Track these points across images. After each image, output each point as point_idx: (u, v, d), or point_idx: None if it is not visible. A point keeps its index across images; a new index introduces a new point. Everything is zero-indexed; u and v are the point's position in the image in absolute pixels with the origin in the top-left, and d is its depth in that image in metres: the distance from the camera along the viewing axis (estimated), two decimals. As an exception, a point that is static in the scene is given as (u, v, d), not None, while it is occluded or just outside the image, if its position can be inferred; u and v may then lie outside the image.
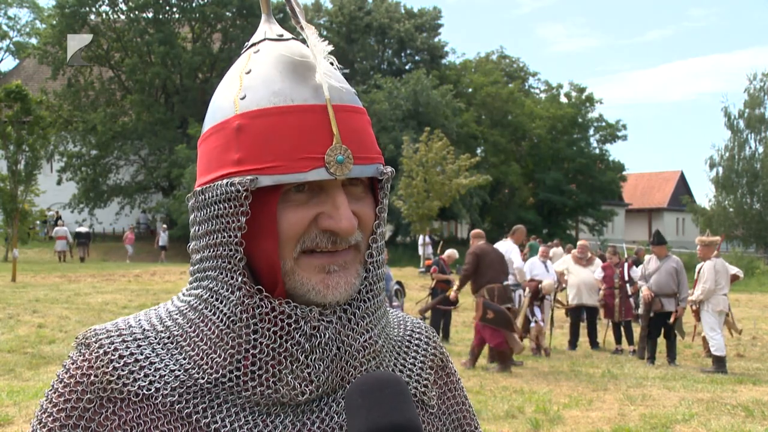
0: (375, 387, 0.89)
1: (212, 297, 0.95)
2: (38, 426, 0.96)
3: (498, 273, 9.41)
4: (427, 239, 25.70)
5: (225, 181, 0.91)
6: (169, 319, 1.01)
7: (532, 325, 11.09)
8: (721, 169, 38.37)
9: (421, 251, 25.96)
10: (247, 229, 0.91)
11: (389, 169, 0.99)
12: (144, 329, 1.01)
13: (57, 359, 9.29)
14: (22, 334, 10.99)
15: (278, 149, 0.89)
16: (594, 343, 12.48)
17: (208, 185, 0.95)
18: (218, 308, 0.94)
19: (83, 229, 30.37)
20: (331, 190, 0.92)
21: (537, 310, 11.08)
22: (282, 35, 1.00)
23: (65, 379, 0.96)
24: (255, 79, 0.94)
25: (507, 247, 10.68)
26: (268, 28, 1.02)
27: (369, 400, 0.87)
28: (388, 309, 1.10)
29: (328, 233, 0.92)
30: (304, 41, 0.98)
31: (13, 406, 6.80)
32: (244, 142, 0.91)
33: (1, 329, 11.28)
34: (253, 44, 1.01)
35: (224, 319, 0.93)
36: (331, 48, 0.96)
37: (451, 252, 12.89)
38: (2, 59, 58.09)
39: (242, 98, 0.93)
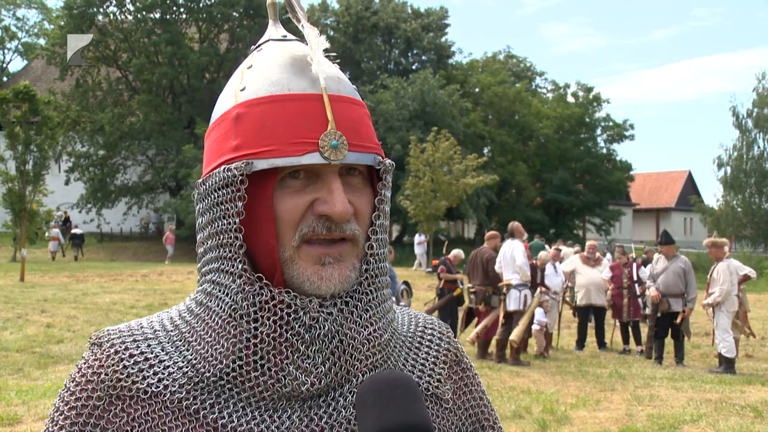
0: (386, 386, 0.89)
1: (215, 289, 0.97)
2: (51, 424, 0.99)
3: (477, 277, 10.64)
4: (422, 238, 25.65)
5: (223, 167, 0.94)
6: (179, 318, 1.04)
7: (535, 327, 10.75)
8: (729, 169, 38.21)
9: (418, 250, 25.92)
10: (245, 215, 0.93)
11: (388, 160, 0.99)
12: (155, 329, 1.04)
13: (65, 359, 9.33)
14: (30, 333, 11.04)
15: (274, 134, 0.91)
16: (601, 344, 12.44)
17: (208, 175, 0.98)
18: (221, 299, 0.96)
19: (77, 231, 31.06)
20: (326, 176, 0.93)
21: (541, 312, 10.76)
22: (285, 36, 1.04)
23: (77, 378, 0.99)
24: (255, 73, 0.97)
25: (512, 245, 10.38)
26: (273, 30, 1.05)
27: (380, 399, 0.87)
28: (395, 305, 1.10)
29: (323, 218, 0.93)
30: (304, 40, 1.00)
31: (22, 405, 6.83)
32: (241, 128, 0.94)
33: (10, 329, 11.34)
34: (258, 45, 1.04)
35: (226, 308, 0.95)
36: (328, 44, 0.98)
37: (457, 252, 12.82)
38: (11, 60, 58.64)
39: (242, 90, 0.97)
